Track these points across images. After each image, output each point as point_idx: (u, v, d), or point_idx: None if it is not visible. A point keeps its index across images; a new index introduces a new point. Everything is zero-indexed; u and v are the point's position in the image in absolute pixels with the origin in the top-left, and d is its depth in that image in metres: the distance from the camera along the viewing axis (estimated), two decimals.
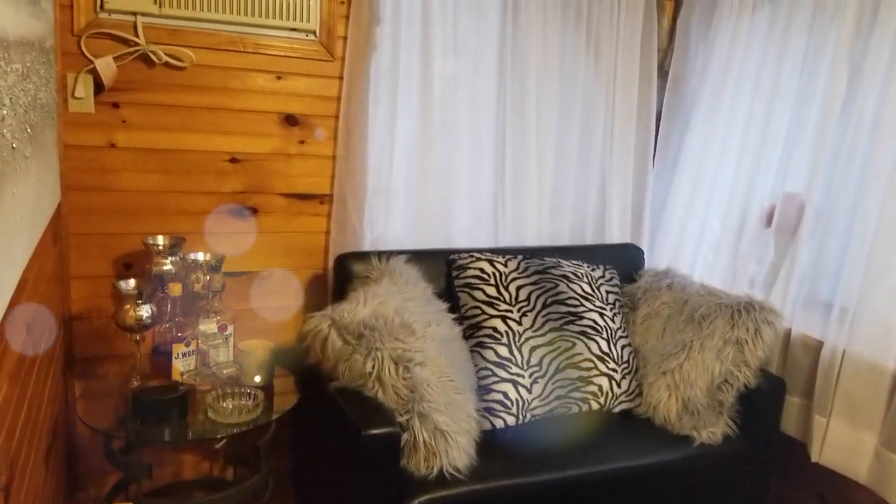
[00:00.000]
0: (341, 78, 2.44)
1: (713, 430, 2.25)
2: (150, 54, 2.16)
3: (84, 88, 2.11)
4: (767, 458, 2.36)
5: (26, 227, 1.37)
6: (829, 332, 2.25)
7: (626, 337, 2.48)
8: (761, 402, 2.31)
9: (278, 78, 2.37)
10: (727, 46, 2.72)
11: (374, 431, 1.80)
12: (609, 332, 2.41)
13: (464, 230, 2.73)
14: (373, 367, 1.92)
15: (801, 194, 2.44)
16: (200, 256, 2.21)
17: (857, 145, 2.26)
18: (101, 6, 2.09)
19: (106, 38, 2.12)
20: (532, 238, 2.80)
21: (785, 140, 2.51)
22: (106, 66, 2.09)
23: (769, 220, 2.55)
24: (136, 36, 2.14)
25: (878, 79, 2.20)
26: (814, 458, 2.29)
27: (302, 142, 2.45)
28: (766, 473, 2.38)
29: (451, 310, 2.32)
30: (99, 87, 2.13)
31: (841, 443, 2.21)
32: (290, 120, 2.42)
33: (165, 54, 2.18)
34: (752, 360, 2.24)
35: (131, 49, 2.14)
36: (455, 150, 2.66)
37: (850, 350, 2.20)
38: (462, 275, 2.40)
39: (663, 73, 3.01)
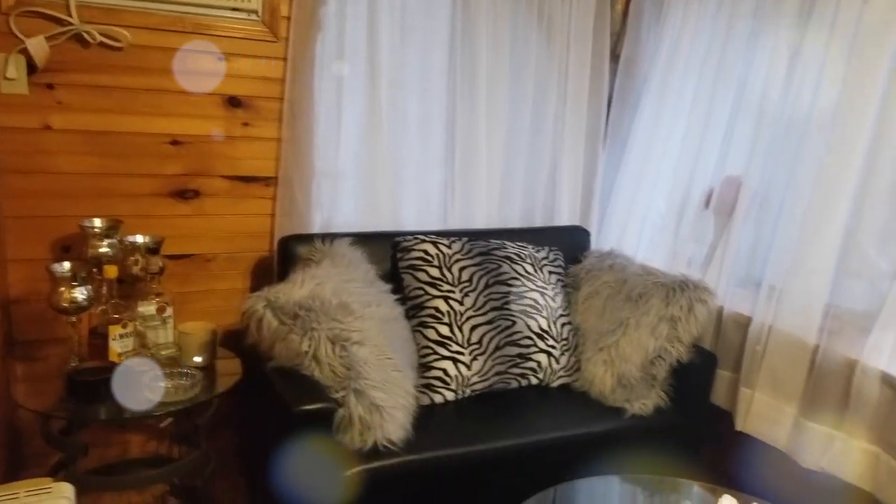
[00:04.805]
0: (286, 59, 2.43)
1: (645, 402, 2.31)
2: (85, 34, 2.13)
3: (16, 69, 2.08)
4: (698, 428, 2.43)
5: None
6: (757, 309, 2.32)
7: (567, 315, 2.52)
8: (693, 376, 2.38)
9: (220, 59, 2.36)
10: (677, 30, 2.73)
11: (306, 407, 1.83)
12: (549, 310, 2.45)
13: (413, 214, 2.74)
14: (309, 346, 1.93)
15: (740, 176, 2.47)
16: (139, 239, 2.20)
17: (794, 128, 2.30)
18: None
19: (37, 16, 2.09)
20: (482, 222, 2.81)
21: (727, 123, 2.54)
22: (38, 46, 2.05)
23: (708, 202, 2.59)
24: (69, 15, 2.10)
25: (816, 62, 2.22)
26: (738, 427, 2.38)
27: (246, 124, 2.44)
28: (697, 441, 2.45)
29: (395, 291, 2.35)
30: (32, 67, 2.10)
31: (763, 412, 2.29)
32: (234, 102, 2.41)
33: (100, 34, 2.15)
34: (685, 336, 2.30)
35: (64, 28, 2.11)
36: (404, 134, 2.66)
37: (775, 326, 2.26)
38: (406, 257, 2.41)
39: (615, 56, 3.02)
